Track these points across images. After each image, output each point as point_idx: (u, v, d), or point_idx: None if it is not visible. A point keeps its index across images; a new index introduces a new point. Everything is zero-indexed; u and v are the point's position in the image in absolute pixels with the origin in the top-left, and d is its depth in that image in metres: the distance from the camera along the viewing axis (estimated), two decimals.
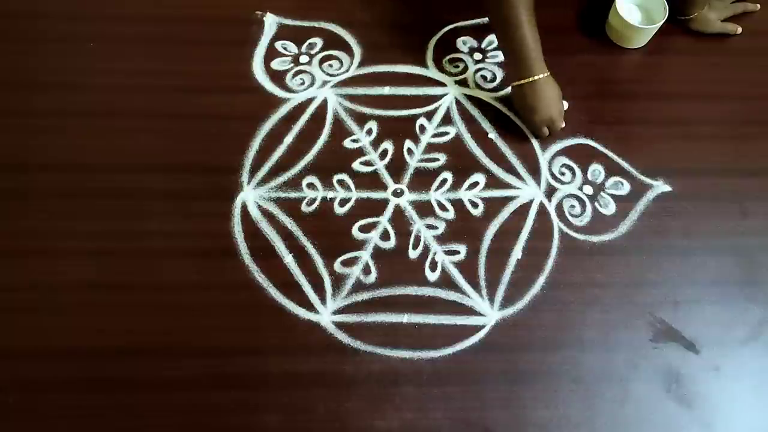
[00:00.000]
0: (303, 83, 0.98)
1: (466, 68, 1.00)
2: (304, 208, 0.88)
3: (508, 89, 0.97)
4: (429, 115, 0.96)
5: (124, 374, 0.76)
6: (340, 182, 0.90)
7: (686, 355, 0.80)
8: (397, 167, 0.91)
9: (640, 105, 0.99)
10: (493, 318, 0.81)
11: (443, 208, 0.88)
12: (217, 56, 0.99)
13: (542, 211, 0.89)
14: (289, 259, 0.84)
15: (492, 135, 0.94)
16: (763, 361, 0.80)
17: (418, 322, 0.80)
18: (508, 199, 0.89)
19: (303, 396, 0.76)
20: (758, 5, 1.06)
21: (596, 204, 0.89)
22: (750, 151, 0.95)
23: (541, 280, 0.84)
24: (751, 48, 1.04)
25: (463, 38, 1.03)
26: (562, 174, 0.92)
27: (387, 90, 0.97)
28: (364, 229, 0.86)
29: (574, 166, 0.92)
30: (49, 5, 1.04)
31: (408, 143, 0.93)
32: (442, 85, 0.98)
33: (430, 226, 0.87)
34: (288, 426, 0.74)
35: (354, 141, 0.93)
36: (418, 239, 0.86)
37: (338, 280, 0.83)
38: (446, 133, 0.94)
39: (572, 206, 0.89)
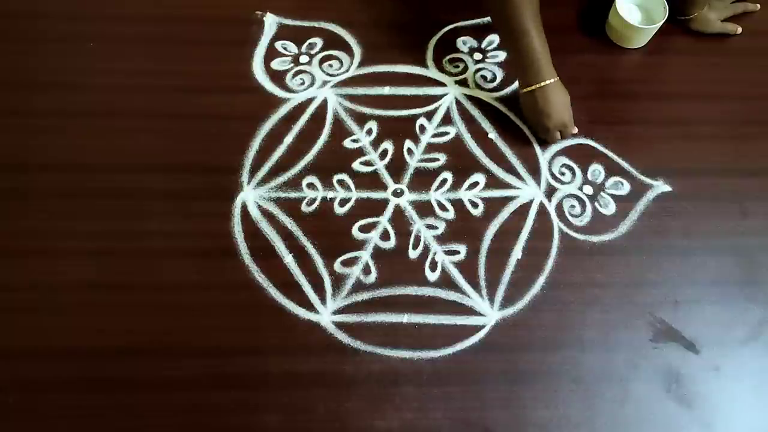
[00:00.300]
0: (303, 83, 0.98)
1: (466, 68, 1.00)
2: (304, 208, 0.88)
3: (509, 89, 0.97)
4: (429, 115, 0.96)
5: (124, 374, 0.76)
6: (340, 182, 0.90)
7: (686, 355, 0.80)
8: (397, 167, 0.91)
9: (640, 105, 0.99)
10: (493, 318, 0.81)
11: (443, 208, 0.88)
12: (217, 56, 0.99)
13: (542, 211, 0.89)
14: (289, 259, 0.84)
15: (492, 135, 0.94)
16: (763, 361, 0.80)
17: (418, 322, 0.81)
18: (508, 199, 0.89)
19: (303, 396, 0.76)
20: (758, 5, 1.06)
21: (596, 204, 0.89)
22: (750, 151, 0.95)
23: (541, 280, 0.84)
24: (751, 48, 1.04)
25: (463, 38, 1.03)
26: (562, 174, 0.92)
27: (387, 90, 0.97)
28: (364, 229, 0.86)
29: (574, 166, 0.92)
30: (49, 5, 1.04)
31: (408, 143, 0.93)
32: (442, 85, 0.98)
33: (430, 226, 0.87)
34: (288, 426, 0.74)
35: (354, 141, 0.93)
36: (418, 239, 0.86)
37: (338, 280, 0.83)
38: (446, 133, 0.94)
39: (572, 206, 0.89)
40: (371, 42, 1.01)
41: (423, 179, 0.90)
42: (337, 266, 0.84)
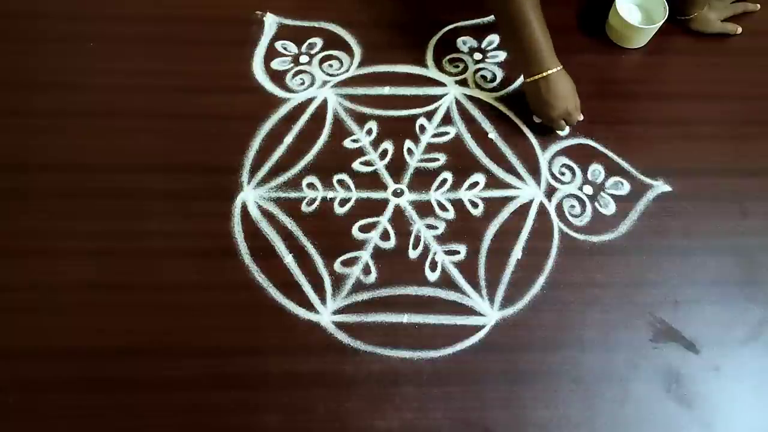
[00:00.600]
0: (303, 83, 0.98)
1: (466, 68, 1.00)
2: (304, 208, 0.88)
3: (509, 89, 0.97)
4: (429, 115, 0.96)
5: (124, 374, 0.76)
6: (340, 182, 0.90)
7: (686, 355, 0.80)
8: (397, 167, 0.91)
9: (640, 105, 0.99)
10: (493, 318, 0.81)
11: (443, 208, 0.88)
12: (217, 56, 0.99)
13: (542, 211, 0.89)
14: (289, 259, 0.84)
15: (492, 135, 0.94)
16: (763, 361, 0.80)
17: (418, 322, 0.81)
18: (508, 199, 0.89)
19: (303, 396, 0.76)
20: (758, 5, 1.06)
21: (596, 204, 0.89)
22: (750, 151, 0.95)
23: (541, 280, 0.84)
24: (751, 48, 1.04)
25: (463, 38, 1.03)
26: (562, 174, 0.92)
27: (387, 90, 0.97)
28: (364, 229, 0.86)
29: (574, 166, 0.92)
30: (49, 5, 1.04)
31: (408, 143, 0.93)
32: (442, 85, 0.98)
33: (430, 226, 0.87)
34: (288, 426, 0.74)
35: (354, 141, 0.93)
36: (418, 239, 0.86)
37: (338, 280, 0.83)
38: (446, 133, 0.94)
39: (572, 206, 0.89)
40: (371, 42, 1.01)
41: (423, 179, 0.90)
42: (337, 266, 0.84)
